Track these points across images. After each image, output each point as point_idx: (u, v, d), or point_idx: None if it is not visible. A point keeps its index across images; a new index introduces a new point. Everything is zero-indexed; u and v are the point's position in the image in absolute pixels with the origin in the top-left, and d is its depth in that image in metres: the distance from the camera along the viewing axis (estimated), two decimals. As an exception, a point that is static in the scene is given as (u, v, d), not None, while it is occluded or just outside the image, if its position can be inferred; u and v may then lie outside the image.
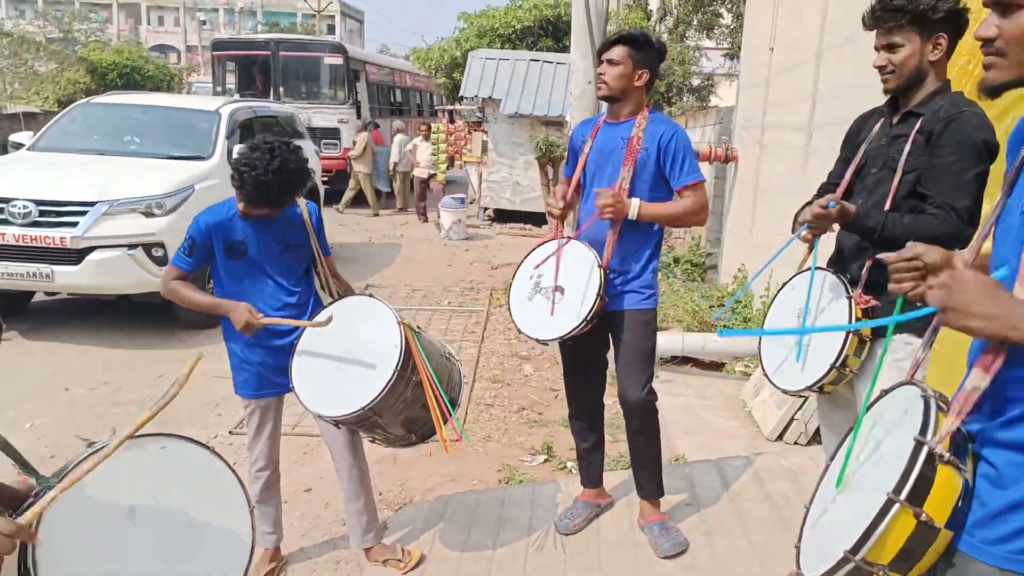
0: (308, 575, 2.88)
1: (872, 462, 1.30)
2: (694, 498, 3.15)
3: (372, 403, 2.32)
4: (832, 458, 1.45)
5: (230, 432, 4.10)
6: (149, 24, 53.02)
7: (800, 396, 2.19)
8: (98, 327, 5.84)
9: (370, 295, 2.62)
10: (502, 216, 11.91)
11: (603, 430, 3.09)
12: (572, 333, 2.61)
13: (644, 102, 2.74)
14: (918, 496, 1.16)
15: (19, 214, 5.19)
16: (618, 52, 2.66)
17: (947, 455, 1.18)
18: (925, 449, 1.17)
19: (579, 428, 3.04)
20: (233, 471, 1.68)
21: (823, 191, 2.29)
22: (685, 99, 22.42)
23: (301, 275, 2.71)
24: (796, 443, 3.86)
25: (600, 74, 2.72)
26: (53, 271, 5.22)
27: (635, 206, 2.62)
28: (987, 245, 1.32)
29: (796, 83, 5.51)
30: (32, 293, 6.02)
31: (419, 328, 2.61)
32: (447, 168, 12.92)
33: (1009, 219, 1.23)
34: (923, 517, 1.16)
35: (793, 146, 5.43)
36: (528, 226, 11.53)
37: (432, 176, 12.09)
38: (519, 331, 2.79)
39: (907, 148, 2.02)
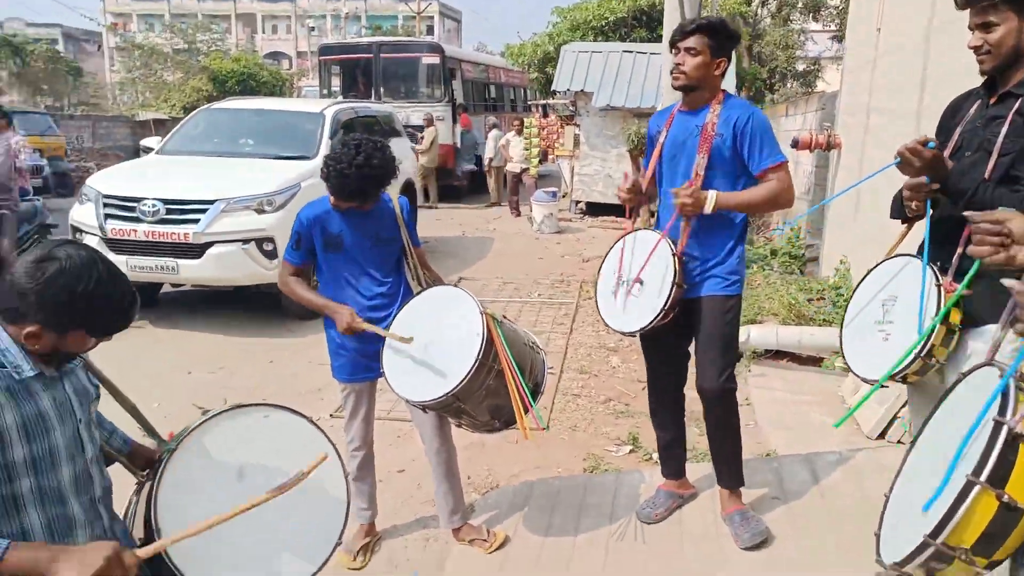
0: (400, 551, 3.05)
1: (953, 446, 1.28)
2: (782, 492, 3.09)
3: (455, 390, 2.43)
4: (912, 444, 1.44)
5: (330, 415, 4.36)
6: (264, 33, 56.03)
7: (883, 386, 2.12)
8: (217, 317, 6.31)
9: (455, 285, 2.74)
10: (594, 209, 11.89)
11: (683, 422, 3.07)
12: (651, 324, 2.62)
13: (719, 89, 2.69)
14: (999, 477, 1.15)
15: (149, 212, 5.70)
16: (696, 41, 2.61)
17: None
18: (1005, 429, 1.16)
19: (660, 420, 3.05)
20: (329, 439, 1.84)
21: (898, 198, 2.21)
22: (789, 85, 21.55)
23: (392, 267, 2.86)
24: (900, 442, 3.71)
25: (678, 64, 2.65)
26: (178, 264, 5.71)
27: (711, 199, 2.58)
28: None
29: (904, 65, 5.24)
30: (160, 285, 6.57)
31: (503, 318, 2.70)
32: (539, 162, 13.02)
33: None
34: (1005, 499, 1.15)
35: (900, 132, 5.16)
36: (620, 219, 11.45)
37: (525, 170, 12.22)
38: (604, 324, 2.83)
39: (1004, 130, 1.92)
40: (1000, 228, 1.37)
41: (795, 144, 6.98)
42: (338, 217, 2.77)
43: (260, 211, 5.82)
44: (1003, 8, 1.89)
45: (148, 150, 7.30)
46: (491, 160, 12.86)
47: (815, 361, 5.03)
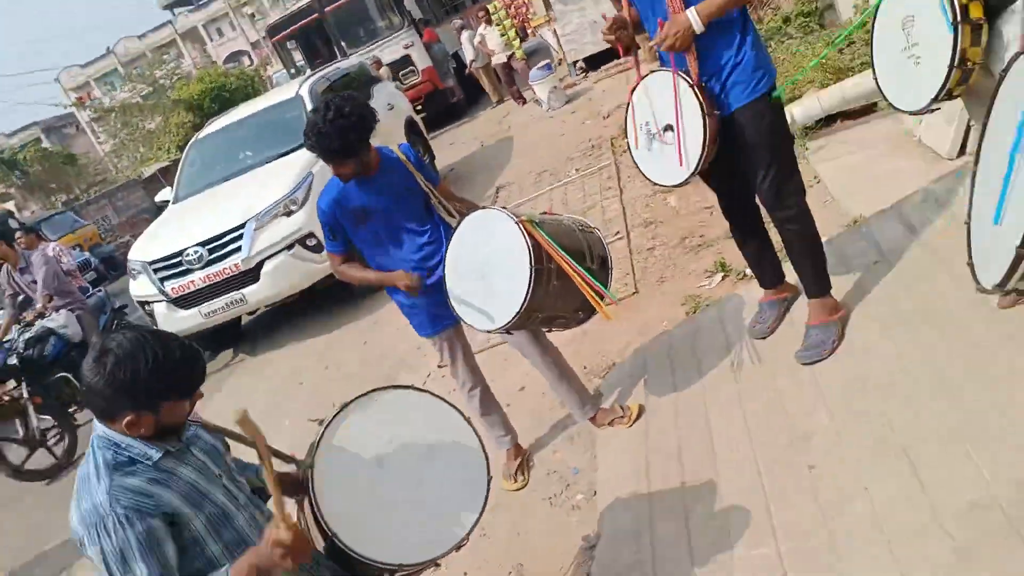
0: (552, 457, 3.19)
1: (1010, 144, 1.21)
2: (880, 254, 3.00)
3: (524, 305, 2.45)
4: (976, 161, 1.36)
5: (438, 366, 4.50)
6: (212, 40, 54.99)
7: (930, 111, 1.99)
8: (300, 326, 6.53)
9: (484, 206, 2.70)
10: (593, 62, 11.39)
11: (764, 228, 2.94)
12: (698, 167, 2.52)
13: None
14: None
15: (195, 259, 5.86)
16: None
17: None
18: None
19: (740, 236, 2.97)
20: (435, 394, 1.92)
21: None
22: None
23: (424, 213, 2.85)
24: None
25: None
26: (244, 294, 5.89)
27: (693, 17, 2.37)
28: None
29: None
30: (239, 318, 6.83)
31: (542, 217, 2.65)
32: (522, 42, 12.49)
33: None
34: None
35: None
36: (624, 60, 10.94)
37: (511, 56, 11.76)
38: (652, 183, 2.75)
39: None
40: None
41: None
42: (354, 190, 2.77)
43: (288, 213, 5.88)
44: None
45: (165, 203, 7.42)
46: (473, 62, 12.43)
47: (868, 111, 4.76)
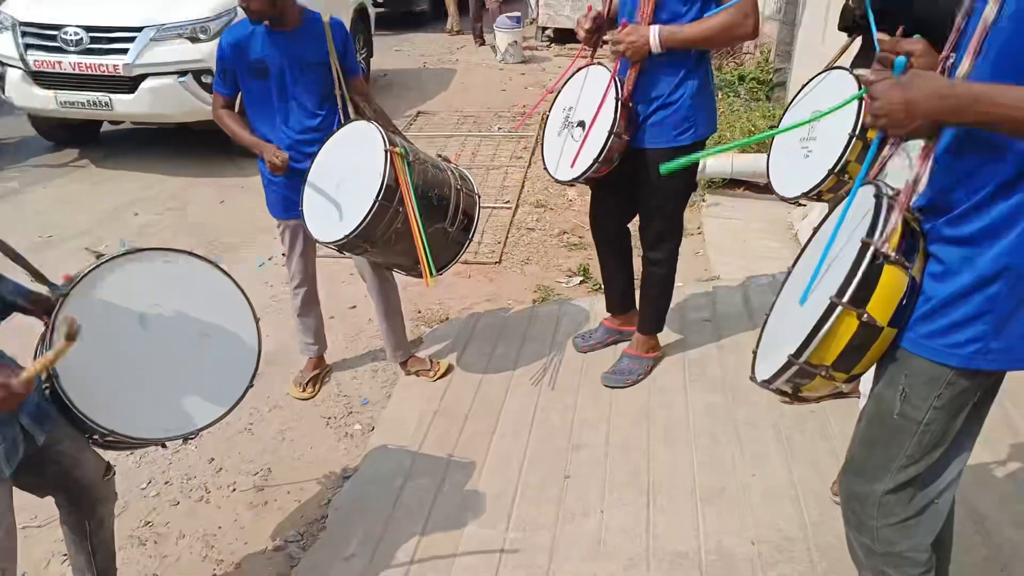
0: (349, 381, 3.16)
1: (830, 268, 1.29)
2: (713, 315, 3.20)
3: (355, 231, 2.34)
4: (794, 264, 1.45)
5: (283, 255, 4.33)
6: None
7: (798, 203, 2.12)
8: (163, 156, 6.06)
9: (368, 120, 2.55)
10: (561, 37, 11.27)
11: (629, 257, 2.97)
12: (584, 175, 2.45)
13: None
14: (862, 297, 1.17)
15: (72, 41, 5.27)
16: None
17: (893, 255, 1.16)
18: (871, 250, 1.16)
19: (602, 252, 2.99)
20: (236, 284, 1.82)
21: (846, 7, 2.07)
22: None
23: (323, 97, 2.70)
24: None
25: None
26: (111, 99, 5.36)
27: (654, 36, 2.29)
28: None
29: None
30: (99, 122, 6.24)
31: (422, 158, 2.53)
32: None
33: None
34: (865, 318, 1.17)
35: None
36: (589, 7, 10.90)
37: (489, -7, 11.40)
38: (544, 168, 2.67)
39: None
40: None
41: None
42: (260, 40, 2.59)
43: (194, 39, 5.40)
44: None
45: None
46: None
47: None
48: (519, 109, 7.65)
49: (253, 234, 4.63)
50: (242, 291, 1.82)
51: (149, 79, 5.32)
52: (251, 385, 1.83)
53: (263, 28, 2.58)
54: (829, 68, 2.14)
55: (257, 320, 1.87)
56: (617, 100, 2.37)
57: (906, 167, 1.18)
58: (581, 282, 3.99)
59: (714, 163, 4.93)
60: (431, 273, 2.43)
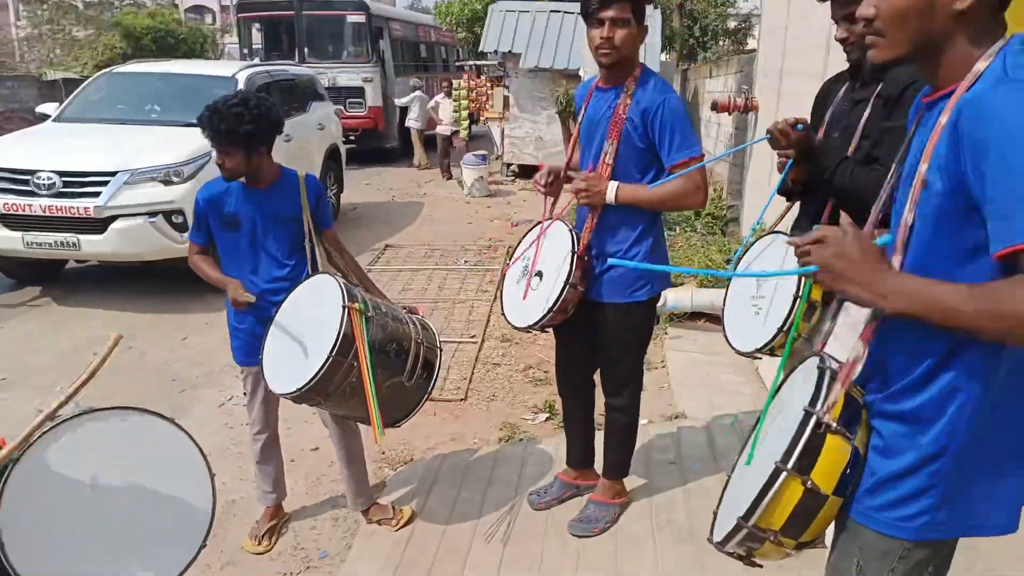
0: (307, 532, 3.04)
1: (777, 431, 1.33)
2: (679, 457, 3.19)
3: (307, 385, 2.32)
4: (755, 426, 1.48)
5: (244, 394, 4.26)
6: (183, -16, 53.18)
7: (753, 357, 2.20)
8: (127, 293, 6.07)
9: (332, 274, 2.60)
10: (526, 172, 11.82)
11: (592, 410, 2.95)
12: (539, 323, 2.49)
13: (637, 62, 2.46)
14: (805, 465, 1.20)
15: (44, 185, 5.38)
16: (622, 9, 2.33)
17: (835, 425, 1.21)
18: (813, 419, 1.21)
19: (565, 401, 2.98)
20: (193, 440, 1.79)
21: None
22: (721, 43, 21.72)
23: (293, 249, 2.77)
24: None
25: (607, 38, 2.34)
26: (79, 240, 5.43)
27: (612, 190, 2.40)
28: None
29: (811, 30, 5.31)
30: (64, 261, 6.26)
31: (381, 312, 2.53)
32: (470, 125, 12.84)
33: (902, 186, 1.24)
34: (809, 484, 1.20)
35: (808, 93, 5.26)
36: (541, 164, 11.43)
37: (455, 133, 12.04)
38: (502, 313, 2.69)
39: (866, 112, 1.99)
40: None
41: (714, 107, 7.06)
42: (236, 195, 2.68)
43: (167, 182, 5.57)
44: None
45: (45, 117, 6.87)
46: (415, 120, 12.60)
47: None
48: (485, 242, 7.89)
49: (215, 372, 4.57)
50: (199, 449, 1.79)
51: (119, 220, 5.42)
52: (203, 546, 1.76)
53: (238, 184, 2.68)
54: (772, 231, 2.28)
55: (213, 478, 1.83)
56: (573, 253, 2.46)
57: (849, 343, 1.24)
58: (547, 419, 3.98)
59: (675, 297, 5.09)
60: (380, 432, 2.39)
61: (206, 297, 5.80)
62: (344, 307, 2.36)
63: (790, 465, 1.20)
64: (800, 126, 1.99)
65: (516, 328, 2.61)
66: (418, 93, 12.54)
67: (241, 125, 2.50)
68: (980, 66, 1.11)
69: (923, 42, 1.15)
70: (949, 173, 1.10)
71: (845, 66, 2.28)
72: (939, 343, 1.17)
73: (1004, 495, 1.22)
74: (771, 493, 1.20)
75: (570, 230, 2.54)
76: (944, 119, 1.11)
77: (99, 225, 5.40)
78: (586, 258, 2.52)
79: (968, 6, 1.11)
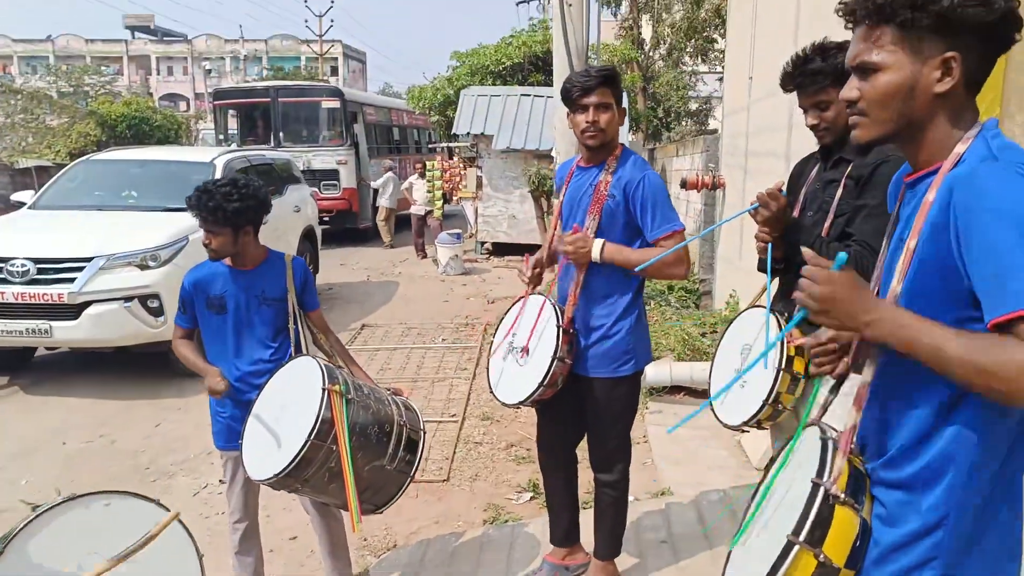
0: (288, 625, 2.91)
1: (783, 506, 1.34)
2: (669, 535, 3.15)
3: (285, 470, 2.28)
4: (749, 503, 1.49)
5: (220, 481, 4.15)
6: (159, 74, 54.27)
7: (741, 431, 2.22)
8: (98, 379, 5.94)
9: (313, 356, 2.58)
10: (500, 249, 12.01)
11: (575, 485, 2.91)
12: (530, 398, 2.49)
13: (617, 142, 2.56)
14: (817, 537, 1.20)
15: (17, 273, 5.33)
16: (604, 94, 2.44)
17: (842, 496, 1.22)
18: (821, 490, 1.22)
19: (548, 479, 2.91)
20: (180, 521, 1.74)
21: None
22: (684, 123, 22.66)
23: (278, 330, 2.76)
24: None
25: (592, 122, 2.45)
26: (52, 327, 5.34)
27: (597, 247, 2.43)
28: None
29: (774, 110, 5.59)
30: (33, 348, 6.13)
31: (366, 392, 2.52)
32: (444, 204, 13.08)
33: (889, 260, 1.29)
34: (822, 558, 1.19)
35: (773, 171, 5.49)
36: (525, 258, 11.60)
37: (429, 213, 12.24)
38: (491, 392, 2.68)
39: (838, 192, 2.09)
40: (830, 347, 1.45)
41: (683, 184, 7.31)
42: (223, 278, 2.69)
43: (144, 267, 5.55)
44: (833, 88, 2.04)
45: (20, 204, 6.86)
46: (384, 200, 12.78)
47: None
48: (462, 320, 7.91)
49: (190, 460, 4.45)
50: (186, 529, 1.74)
51: (94, 305, 5.36)
52: None
53: (225, 267, 2.69)
54: (752, 306, 2.35)
55: (201, 559, 1.77)
56: (558, 327, 2.48)
57: (843, 411, 1.27)
58: (532, 498, 3.91)
59: (653, 372, 5.12)
60: (358, 520, 2.32)
61: (179, 382, 5.72)
62: (324, 389, 2.34)
63: (802, 538, 1.19)
64: (784, 191, 2.08)
65: (506, 405, 2.60)
66: (390, 174, 12.79)
67: (229, 203, 2.54)
68: (961, 148, 1.19)
69: (905, 123, 1.23)
70: (937, 247, 1.15)
71: (809, 145, 2.41)
72: (931, 405, 1.19)
73: (1010, 568, 1.23)
74: (784, 567, 1.19)
75: (553, 304, 2.57)
76: (931, 196, 1.17)
77: (72, 311, 5.34)
78: (571, 331, 2.54)
79: (947, 89, 1.18)
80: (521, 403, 2.55)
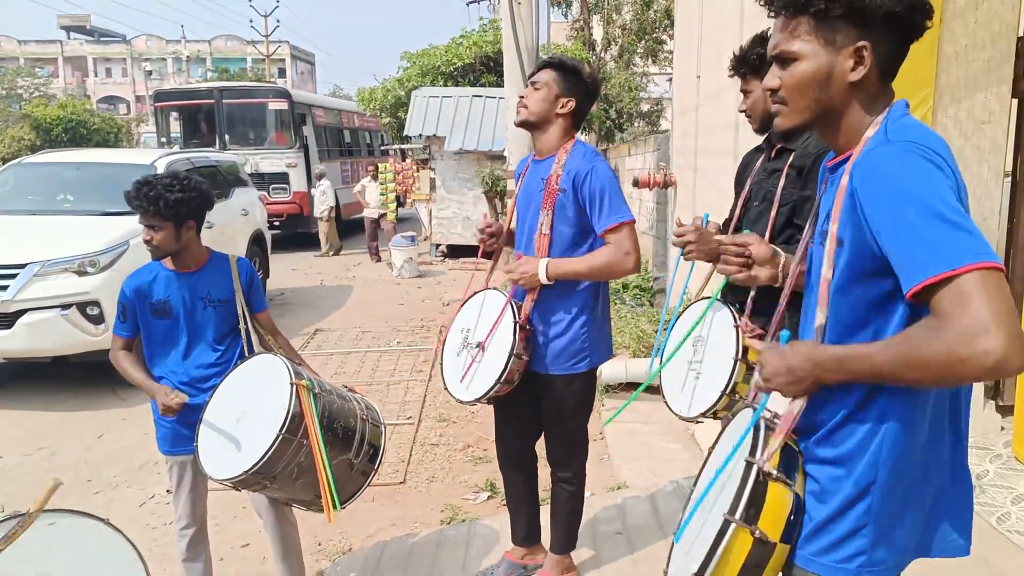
0: (240, 635, 2.83)
1: (722, 486, 1.35)
2: (624, 527, 3.17)
3: (255, 467, 2.23)
4: (693, 486, 1.50)
5: (167, 491, 4.01)
6: (97, 76, 52.58)
7: (696, 422, 2.23)
8: (35, 390, 5.70)
9: (275, 354, 2.54)
10: (455, 251, 11.96)
11: (535, 482, 2.90)
12: (487, 395, 2.47)
13: (568, 133, 2.52)
14: (752, 514, 1.22)
15: (-55, 281, 5.08)
16: (543, 76, 2.46)
17: (775, 472, 1.24)
18: (755, 469, 1.23)
19: (507, 477, 2.89)
20: (126, 538, 1.67)
21: (726, 225, 2.38)
22: (636, 124, 22.96)
23: (226, 333, 2.68)
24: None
25: (521, 98, 2.50)
26: (-17, 337, 5.11)
27: (542, 269, 2.42)
28: None
29: (721, 109, 5.69)
30: (-36, 359, 5.86)
31: (327, 389, 2.50)
32: (397, 207, 12.97)
33: (816, 246, 1.32)
34: (757, 534, 1.21)
35: (722, 169, 5.58)
36: (481, 260, 11.57)
37: (382, 216, 12.12)
38: (445, 388, 2.65)
39: (781, 182, 2.12)
40: (742, 250, 1.51)
41: (635, 183, 7.39)
42: (165, 281, 2.60)
43: (82, 273, 5.34)
44: (752, 78, 2.13)
45: (-53, 211, 6.54)
46: (331, 210, 12.49)
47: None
48: (418, 322, 7.84)
49: (135, 471, 4.30)
50: (133, 546, 1.67)
51: (28, 314, 5.14)
52: None
53: (167, 271, 2.60)
54: (700, 298, 2.36)
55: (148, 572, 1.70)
56: (515, 323, 2.46)
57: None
58: (489, 497, 3.89)
59: (609, 370, 5.14)
60: (335, 506, 2.31)
61: (122, 392, 5.53)
62: (292, 384, 2.30)
63: (737, 516, 1.21)
64: (706, 217, 2.12)
65: (461, 402, 2.57)
66: (326, 181, 12.52)
67: (171, 194, 2.46)
68: (869, 132, 1.24)
69: (822, 110, 1.27)
70: (854, 229, 1.19)
71: (756, 142, 2.45)
72: (853, 390, 1.24)
73: (935, 524, 1.28)
74: (722, 546, 1.21)
75: (509, 300, 2.54)
76: (844, 180, 1.22)
77: (6, 320, 5.11)
78: (527, 328, 2.53)
79: (860, 78, 1.23)
80: (477, 400, 2.52)
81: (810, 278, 1.34)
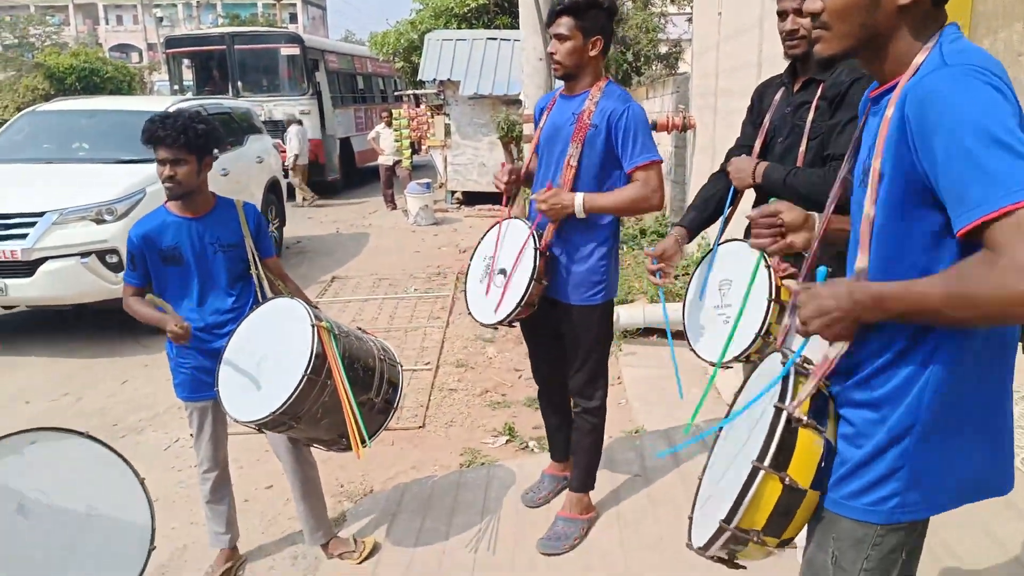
0: (266, 572, 2.90)
1: (750, 432, 1.32)
2: (643, 469, 3.19)
3: (282, 407, 2.28)
4: (720, 427, 1.48)
5: (190, 435, 4.09)
6: (108, 24, 52.00)
7: (726, 367, 2.19)
8: (60, 337, 5.79)
9: (292, 297, 2.56)
10: (470, 198, 11.86)
11: (568, 405, 3.00)
12: (508, 317, 2.57)
13: (601, 71, 2.58)
14: (781, 461, 1.19)
15: (-35, 230, 5.11)
16: (565, 25, 2.47)
17: (805, 419, 1.21)
18: (784, 415, 1.20)
19: (545, 404, 3.07)
20: (114, 451, 1.70)
21: (730, 155, 2.31)
22: (654, 67, 22.39)
23: (237, 277, 2.69)
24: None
25: (551, 53, 2.53)
26: (6, 285, 5.17)
27: (579, 203, 2.49)
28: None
29: (743, 48, 5.50)
30: (-10, 308, 5.95)
31: (345, 331, 2.54)
32: (412, 154, 12.81)
33: (857, 183, 1.26)
34: (787, 481, 1.19)
35: (744, 111, 5.42)
36: (497, 207, 11.48)
37: (397, 163, 11.99)
38: (468, 312, 2.77)
39: (811, 115, 2.03)
40: (774, 220, 1.44)
41: (654, 127, 7.22)
42: (173, 227, 2.59)
43: (100, 221, 5.36)
44: None
45: (-36, 160, 6.55)
46: (296, 158, 11.99)
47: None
48: (434, 269, 7.83)
49: (159, 415, 4.38)
50: (123, 459, 1.69)
51: (49, 262, 5.18)
52: (152, 548, 1.67)
53: (174, 217, 2.59)
54: (725, 241, 2.30)
55: (143, 482, 1.73)
56: (536, 249, 2.54)
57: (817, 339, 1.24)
58: (507, 441, 3.93)
59: (626, 314, 5.12)
60: (363, 443, 2.36)
61: (144, 339, 5.59)
62: (313, 326, 2.34)
63: (767, 463, 1.19)
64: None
65: (483, 325, 2.67)
66: (295, 127, 12.07)
67: (196, 124, 2.48)
68: (920, 58, 1.15)
69: (868, 36, 1.18)
70: (902, 162, 1.12)
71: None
72: (900, 331, 1.18)
73: (971, 468, 1.24)
74: (751, 493, 1.19)
75: (530, 228, 2.61)
76: (891, 111, 1.14)
77: (27, 268, 5.15)
78: (547, 254, 2.60)
79: (911, 1, 1.14)
80: (500, 322, 2.61)
81: (853, 219, 1.27)
